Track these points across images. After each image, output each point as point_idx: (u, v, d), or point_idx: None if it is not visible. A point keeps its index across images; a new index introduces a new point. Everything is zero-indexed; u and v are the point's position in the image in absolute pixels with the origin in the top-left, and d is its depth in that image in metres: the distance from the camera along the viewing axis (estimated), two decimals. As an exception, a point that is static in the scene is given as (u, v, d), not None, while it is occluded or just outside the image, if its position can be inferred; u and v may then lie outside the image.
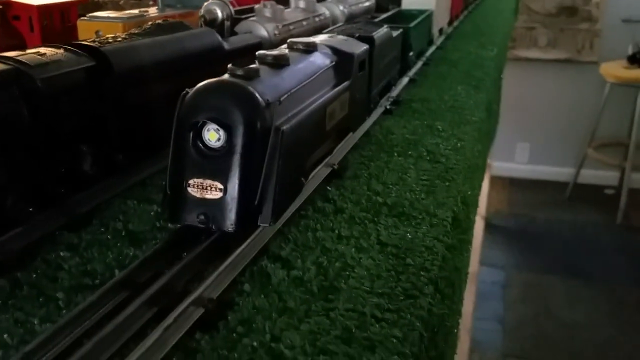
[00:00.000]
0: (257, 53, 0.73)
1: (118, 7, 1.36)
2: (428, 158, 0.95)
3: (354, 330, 0.54)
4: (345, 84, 0.84)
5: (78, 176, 0.71)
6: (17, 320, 0.55)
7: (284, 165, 0.63)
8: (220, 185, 0.62)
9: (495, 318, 3.39)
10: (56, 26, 1.19)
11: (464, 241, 0.79)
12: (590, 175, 4.78)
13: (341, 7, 1.62)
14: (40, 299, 0.58)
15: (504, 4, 3.34)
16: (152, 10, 1.23)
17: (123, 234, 0.70)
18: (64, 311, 0.56)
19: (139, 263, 0.60)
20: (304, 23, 1.36)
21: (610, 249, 4.07)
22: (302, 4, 1.44)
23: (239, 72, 0.65)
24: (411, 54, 1.38)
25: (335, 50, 0.86)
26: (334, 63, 0.84)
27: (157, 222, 0.73)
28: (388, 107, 1.19)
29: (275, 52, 0.74)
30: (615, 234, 4.26)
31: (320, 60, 0.81)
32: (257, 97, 0.62)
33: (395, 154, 0.97)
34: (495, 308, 3.47)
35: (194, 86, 0.65)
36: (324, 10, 1.52)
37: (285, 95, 0.67)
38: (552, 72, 4.89)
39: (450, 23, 2.14)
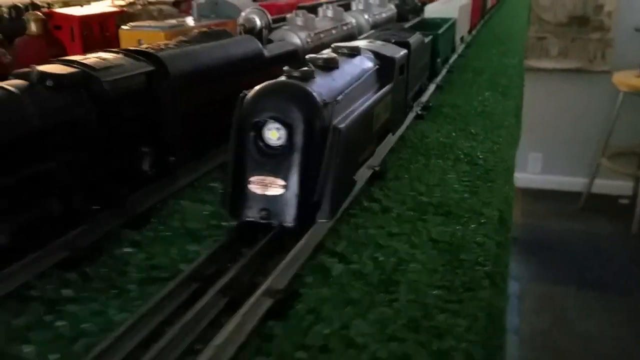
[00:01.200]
0: (307, 56, 0.76)
1: (152, 18, 1.39)
2: (466, 160, 0.97)
3: (420, 320, 0.55)
4: (388, 87, 0.86)
5: (138, 176, 0.73)
6: (93, 311, 0.57)
7: (340, 163, 0.66)
8: (281, 182, 0.64)
9: (511, 329, 3.38)
10: (96, 36, 1.22)
11: (509, 240, 0.81)
12: (604, 185, 4.76)
13: (366, 16, 1.65)
14: (113, 291, 0.60)
15: (517, 13, 3.37)
16: (189, 21, 1.26)
17: (182, 231, 0.72)
18: (138, 302, 0.58)
19: (205, 258, 0.62)
20: (333, 32, 1.39)
21: (626, 260, 4.04)
22: (330, 13, 1.47)
23: (296, 73, 0.68)
24: (439, 60, 1.40)
25: (377, 55, 0.89)
26: (377, 67, 0.86)
27: (212, 221, 0.75)
28: (419, 112, 1.21)
29: (324, 55, 0.77)
30: (630, 244, 4.24)
31: (364, 63, 0.84)
32: (315, 97, 0.65)
33: (433, 157, 0.99)
34: (510, 319, 3.46)
35: (239, 91, 0.68)
36: (350, 19, 1.55)
37: (340, 96, 0.69)
38: (564, 82, 4.90)
39: (469, 32, 2.17)
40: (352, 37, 1.43)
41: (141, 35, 1.08)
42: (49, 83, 0.63)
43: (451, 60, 1.71)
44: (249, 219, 0.65)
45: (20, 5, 1.33)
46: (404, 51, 0.95)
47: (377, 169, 0.88)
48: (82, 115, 0.65)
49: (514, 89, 1.47)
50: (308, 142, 0.64)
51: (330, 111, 0.66)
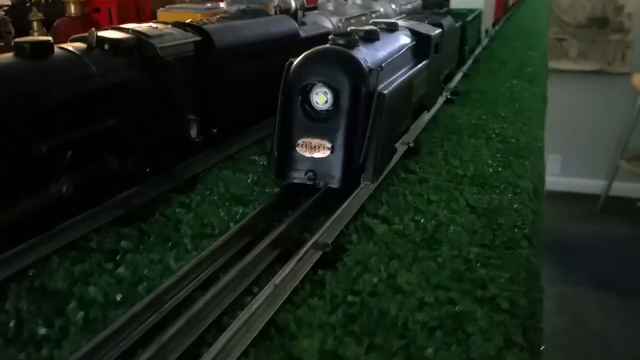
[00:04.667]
0: (350, 28, 0.78)
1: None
2: (498, 139, 0.99)
3: (463, 272, 0.58)
4: (425, 62, 0.88)
5: (186, 143, 0.76)
6: (152, 260, 0.60)
7: (384, 128, 0.68)
8: (328, 144, 0.67)
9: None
10: (132, 19, 1.26)
11: (542, 212, 0.83)
12: (623, 188, 4.72)
13: (393, 6, 1.68)
14: (169, 244, 0.63)
15: (537, 13, 3.37)
16: (222, 6, 1.29)
17: (228, 196, 0.75)
18: (193, 253, 0.61)
19: (254, 215, 0.65)
20: (363, 18, 1.42)
21: (644, 262, 4.01)
22: (359, 1, 1.50)
23: (341, 41, 0.70)
24: (467, 47, 1.42)
25: (413, 32, 0.91)
26: (414, 42, 0.89)
27: (255, 188, 0.78)
28: (449, 96, 1.23)
29: (365, 27, 0.79)
30: (649, 246, 4.20)
31: (402, 39, 0.86)
32: (362, 63, 0.67)
33: (465, 136, 1.01)
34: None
35: (277, 69, 0.70)
36: (378, 7, 1.58)
37: (384, 64, 0.71)
38: (584, 83, 4.88)
39: (493, 25, 2.19)
40: (380, 25, 1.46)
41: (178, 16, 1.12)
42: (106, 47, 0.66)
43: (477, 52, 1.73)
44: (295, 181, 0.68)
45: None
46: (438, 30, 0.97)
47: (411, 144, 0.91)
48: (137, 78, 0.68)
49: (540, 77, 1.49)
50: (354, 106, 0.66)
51: (375, 77, 0.68)
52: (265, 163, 0.86)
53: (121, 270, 0.58)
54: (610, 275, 3.84)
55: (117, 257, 0.60)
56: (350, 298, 0.53)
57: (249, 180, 0.80)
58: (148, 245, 0.62)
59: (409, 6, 1.84)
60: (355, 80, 0.66)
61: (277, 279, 0.51)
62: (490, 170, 0.85)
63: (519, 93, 1.31)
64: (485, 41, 1.95)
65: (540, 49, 1.99)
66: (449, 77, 1.27)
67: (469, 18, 1.40)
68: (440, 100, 1.20)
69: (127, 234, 0.65)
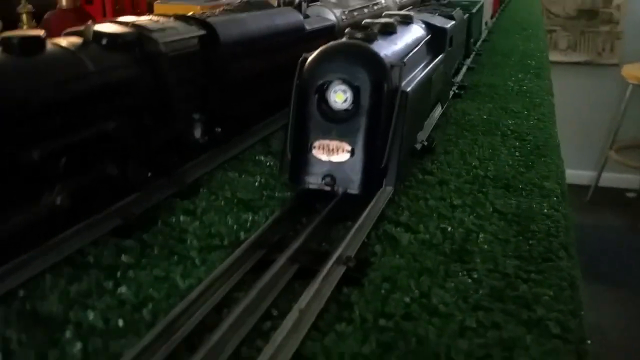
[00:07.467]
0: (364, 21, 0.73)
1: None
2: (514, 136, 0.94)
3: (503, 289, 0.52)
4: (441, 56, 0.83)
5: (189, 145, 0.70)
6: (157, 277, 0.54)
7: (408, 128, 0.63)
8: (348, 147, 0.61)
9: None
10: (127, 11, 1.19)
11: (572, 214, 0.78)
12: (612, 178, 4.73)
13: (394, -2, 1.62)
14: (174, 258, 0.57)
15: (531, 4, 3.33)
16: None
17: (235, 201, 0.69)
18: (202, 268, 0.55)
19: (267, 226, 0.59)
20: (365, 10, 1.36)
21: (633, 253, 4.02)
22: (360, -8, 1.44)
23: (359, 35, 0.64)
24: (472, 40, 1.37)
25: (428, 25, 0.86)
26: (429, 36, 0.83)
27: (264, 192, 0.72)
28: (457, 91, 1.18)
29: (382, 20, 0.73)
30: (638, 237, 4.21)
31: (419, 32, 0.81)
32: (383, 59, 0.62)
33: (480, 133, 0.96)
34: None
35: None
36: (379, -1, 1.52)
37: (405, 59, 0.66)
38: (573, 75, 4.86)
39: (491, 17, 2.14)
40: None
41: (177, 8, 1.05)
42: (104, 42, 0.60)
43: (478, 44, 1.68)
44: (311, 186, 0.62)
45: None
46: (452, 22, 0.92)
47: (425, 143, 0.85)
48: (138, 76, 0.62)
49: (545, 71, 1.44)
50: (376, 105, 0.61)
51: (398, 73, 0.62)
52: (272, 164, 0.81)
53: (122, 289, 0.52)
54: (600, 266, 3.84)
55: (118, 274, 0.54)
56: (382, 322, 0.48)
57: (256, 184, 0.74)
58: (151, 260, 0.56)
59: (409, -3, 1.78)
60: (377, 77, 0.61)
61: (302, 302, 0.46)
62: (512, 170, 0.80)
63: (527, 87, 1.26)
64: (484, 34, 1.90)
65: (540, 41, 1.94)
66: (457, 70, 1.22)
67: (474, 10, 1.35)
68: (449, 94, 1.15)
69: (128, 247, 0.59)
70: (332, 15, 1.20)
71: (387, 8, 1.55)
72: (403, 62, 0.64)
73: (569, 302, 0.51)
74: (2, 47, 0.49)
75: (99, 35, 0.60)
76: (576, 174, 4.93)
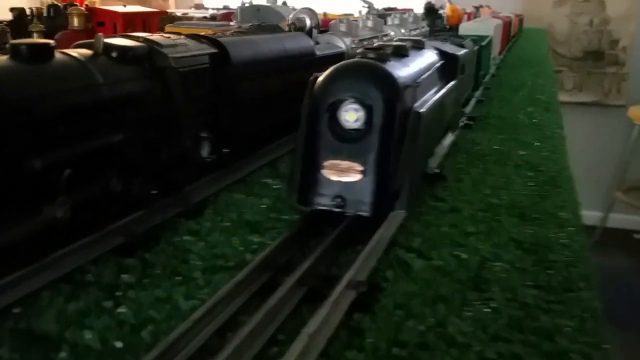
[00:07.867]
0: (377, 43, 0.72)
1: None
2: (527, 167, 0.92)
3: (523, 319, 0.50)
4: (454, 82, 0.82)
5: (196, 163, 0.68)
6: (158, 298, 0.51)
7: (421, 150, 0.61)
8: (359, 167, 0.59)
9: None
10: (137, 34, 1.19)
11: (587, 245, 0.75)
12: (620, 219, 4.68)
13: (402, 30, 1.63)
14: (177, 278, 0.54)
15: (537, 42, 3.36)
16: (232, 24, 1.23)
17: (241, 223, 0.67)
18: (205, 290, 0.52)
19: (273, 248, 0.57)
20: (375, 40, 1.36)
21: (643, 295, 3.94)
22: (370, 24, 1.45)
23: (371, 54, 0.63)
24: (482, 72, 1.36)
25: (440, 51, 0.85)
26: (442, 62, 0.82)
27: (271, 214, 0.70)
28: (466, 122, 1.17)
29: (394, 43, 0.73)
30: (647, 279, 4.14)
31: (431, 57, 0.80)
32: (396, 79, 0.60)
33: (491, 162, 0.94)
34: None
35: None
36: (388, 30, 1.53)
37: (418, 80, 0.65)
38: (579, 115, 4.86)
39: (499, 54, 2.15)
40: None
41: (189, 31, 1.05)
42: (114, 54, 0.59)
43: (486, 79, 1.68)
44: (321, 207, 0.60)
45: (59, 4, 1.31)
46: (464, 50, 0.91)
47: (437, 170, 0.84)
48: (147, 90, 0.60)
49: (555, 105, 1.43)
50: (388, 125, 0.59)
51: (412, 94, 0.61)
52: (279, 186, 0.79)
53: (122, 310, 0.49)
54: (608, 308, 3.76)
55: (118, 294, 0.52)
56: (396, 351, 0.45)
57: (263, 206, 0.72)
58: (153, 280, 0.54)
59: (417, 32, 1.79)
60: (390, 97, 0.59)
61: (311, 327, 0.43)
62: (527, 200, 0.78)
63: (538, 119, 1.25)
64: (492, 68, 1.90)
65: (549, 77, 1.94)
66: (466, 101, 1.21)
67: (484, 43, 1.35)
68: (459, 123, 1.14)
69: (129, 266, 0.56)
70: (341, 43, 1.20)
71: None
72: (417, 83, 0.62)
73: (592, 335, 0.48)
74: (11, 54, 0.48)
75: (109, 47, 0.59)
76: (583, 215, 4.89)
